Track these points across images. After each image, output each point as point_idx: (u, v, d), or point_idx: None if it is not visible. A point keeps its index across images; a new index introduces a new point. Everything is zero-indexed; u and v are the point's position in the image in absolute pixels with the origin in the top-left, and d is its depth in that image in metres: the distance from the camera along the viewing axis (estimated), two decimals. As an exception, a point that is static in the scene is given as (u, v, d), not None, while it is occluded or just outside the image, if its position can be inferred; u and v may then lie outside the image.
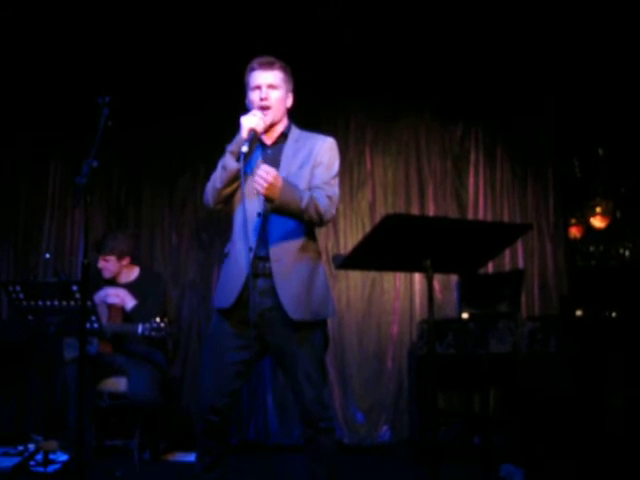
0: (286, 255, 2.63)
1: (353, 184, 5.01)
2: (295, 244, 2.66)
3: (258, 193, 2.51)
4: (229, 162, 2.63)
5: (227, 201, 2.72)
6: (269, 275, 2.63)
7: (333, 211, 2.69)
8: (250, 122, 2.61)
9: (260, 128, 2.64)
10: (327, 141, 2.78)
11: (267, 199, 2.51)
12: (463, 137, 5.02)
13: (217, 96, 4.94)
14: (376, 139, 5.06)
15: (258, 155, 2.73)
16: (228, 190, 2.68)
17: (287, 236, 2.65)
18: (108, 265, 4.31)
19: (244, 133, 2.60)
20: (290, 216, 2.59)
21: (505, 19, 4.55)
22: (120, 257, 4.32)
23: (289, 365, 2.67)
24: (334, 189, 2.71)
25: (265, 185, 2.46)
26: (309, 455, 2.68)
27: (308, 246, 2.70)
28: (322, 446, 2.65)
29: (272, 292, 2.63)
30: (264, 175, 2.46)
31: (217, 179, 2.67)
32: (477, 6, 4.47)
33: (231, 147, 2.65)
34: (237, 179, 2.64)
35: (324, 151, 2.74)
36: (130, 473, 3.89)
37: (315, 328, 2.68)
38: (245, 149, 2.56)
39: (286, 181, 2.54)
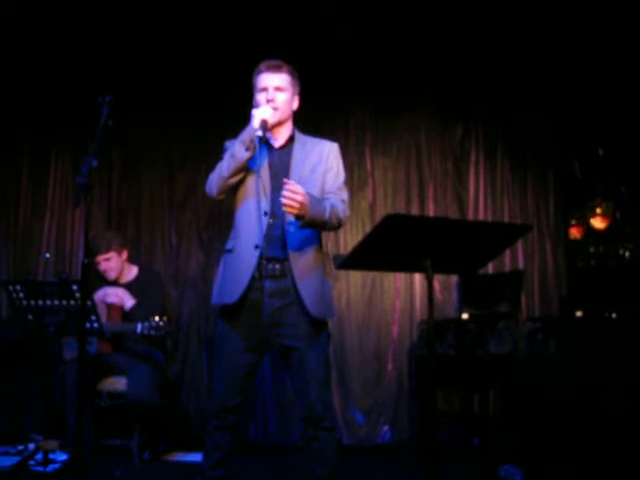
0: (304, 256, 2.69)
1: (353, 184, 5.00)
2: (311, 246, 2.73)
3: (289, 213, 2.57)
4: (239, 151, 2.65)
5: (229, 192, 2.75)
6: (279, 277, 2.67)
7: (348, 213, 2.81)
8: (262, 113, 2.66)
9: (271, 120, 2.68)
10: (334, 147, 2.86)
11: (297, 217, 2.57)
12: (463, 137, 5.02)
13: (217, 97, 4.94)
14: (376, 139, 5.06)
15: (265, 156, 2.75)
16: (233, 180, 2.71)
17: (304, 238, 2.71)
18: (110, 264, 4.29)
19: (256, 123, 2.64)
20: (313, 227, 2.68)
21: (505, 20, 4.54)
22: (120, 251, 4.33)
23: (297, 364, 2.69)
24: (346, 193, 2.84)
25: (297, 206, 2.52)
26: (310, 454, 2.70)
27: (319, 248, 2.79)
28: (323, 445, 2.67)
29: (282, 293, 2.68)
30: (293, 196, 2.51)
31: (224, 167, 2.70)
32: (477, 7, 4.47)
33: (242, 137, 2.67)
34: (243, 170, 2.69)
35: (333, 157, 2.84)
36: (129, 473, 3.88)
37: (323, 328, 2.73)
38: (260, 133, 2.61)
39: (311, 196, 2.60)
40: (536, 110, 4.94)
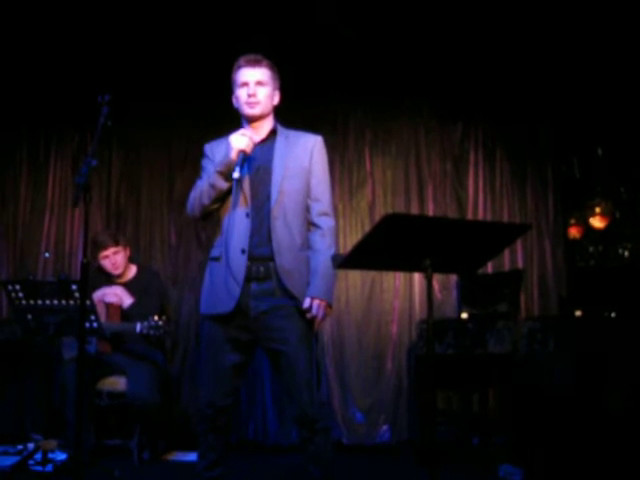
0: (289, 252, 2.66)
1: (352, 184, 5.01)
2: (296, 242, 2.70)
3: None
4: (218, 182, 2.63)
5: (213, 213, 2.74)
6: (262, 279, 2.65)
7: (333, 223, 2.81)
8: (239, 143, 2.61)
9: (249, 149, 2.64)
10: (318, 140, 2.82)
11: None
12: (462, 137, 5.02)
13: (217, 96, 4.92)
14: (376, 139, 5.06)
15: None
16: (215, 206, 2.70)
17: (288, 233, 2.68)
18: (118, 258, 4.31)
19: (233, 154, 2.61)
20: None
21: (504, 19, 4.54)
22: (125, 247, 4.36)
23: (286, 367, 2.66)
24: (330, 195, 2.81)
25: (323, 319, 2.67)
26: (306, 456, 2.68)
27: (304, 244, 2.74)
28: (319, 446, 2.64)
29: (267, 295, 2.65)
30: (321, 316, 2.67)
31: (205, 196, 2.67)
32: (476, 6, 4.47)
33: (220, 167, 2.64)
34: (224, 196, 2.67)
35: (318, 151, 2.79)
36: (129, 472, 3.88)
37: (310, 328, 2.69)
38: (237, 175, 2.58)
39: (319, 285, 2.67)
40: (535, 110, 4.94)
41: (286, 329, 2.64)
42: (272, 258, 2.64)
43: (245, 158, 2.63)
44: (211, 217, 2.78)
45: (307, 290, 2.65)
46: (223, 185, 2.63)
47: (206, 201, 2.67)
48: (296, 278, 2.65)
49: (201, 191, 2.69)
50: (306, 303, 2.63)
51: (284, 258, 2.64)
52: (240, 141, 2.61)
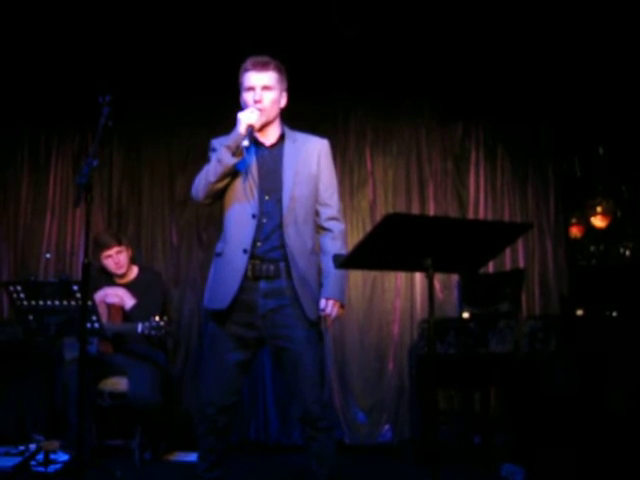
0: (302, 257, 2.68)
1: (353, 183, 5.00)
2: (308, 247, 2.73)
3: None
4: (225, 157, 2.62)
5: (216, 196, 2.72)
6: (273, 277, 2.66)
7: (343, 226, 2.85)
8: (248, 118, 2.62)
9: (258, 124, 2.66)
10: (325, 144, 2.83)
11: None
12: (463, 136, 5.02)
13: (218, 95, 4.94)
14: (377, 138, 5.05)
15: (254, 156, 2.72)
16: (220, 185, 2.68)
17: (301, 239, 2.70)
18: (120, 257, 4.32)
19: (242, 129, 2.61)
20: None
21: (505, 19, 4.54)
22: (127, 246, 4.38)
23: (291, 366, 2.67)
24: (338, 199, 2.84)
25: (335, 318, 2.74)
26: (309, 455, 2.69)
27: (315, 249, 2.77)
28: (322, 445, 2.66)
29: (277, 294, 2.67)
30: (332, 316, 2.71)
31: (211, 173, 2.66)
32: (477, 6, 4.47)
33: (228, 142, 2.64)
34: (230, 175, 2.67)
35: (324, 155, 2.81)
36: (130, 473, 3.88)
37: (315, 328, 2.71)
38: (247, 143, 2.59)
39: (332, 288, 2.72)
40: (536, 109, 4.94)
41: (293, 327, 2.65)
42: (284, 260, 2.67)
43: (253, 133, 2.64)
44: (213, 203, 2.77)
45: (321, 291, 2.71)
46: (230, 160, 2.62)
47: (212, 178, 2.65)
48: (308, 283, 2.68)
49: (207, 170, 2.69)
50: (321, 304, 2.69)
51: (297, 263, 2.66)
52: (249, 116, 2.63)
